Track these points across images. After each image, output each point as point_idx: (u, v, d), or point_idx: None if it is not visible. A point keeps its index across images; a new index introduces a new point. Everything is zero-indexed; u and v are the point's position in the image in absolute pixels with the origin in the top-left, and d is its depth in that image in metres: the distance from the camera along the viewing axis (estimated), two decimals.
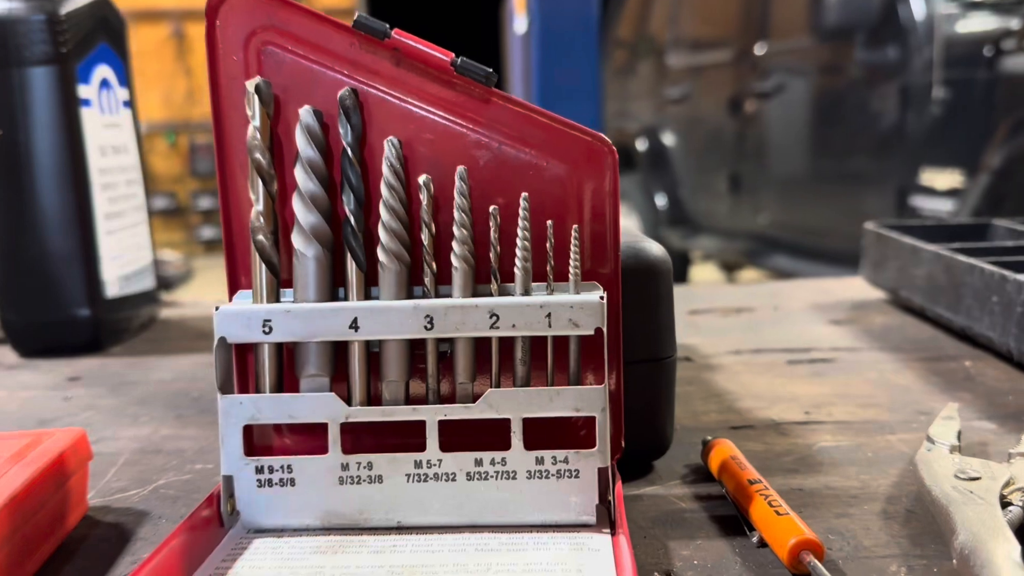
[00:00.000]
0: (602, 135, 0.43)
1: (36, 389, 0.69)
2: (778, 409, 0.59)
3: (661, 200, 4.04)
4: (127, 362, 0.76)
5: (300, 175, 0.40)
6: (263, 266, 0.41)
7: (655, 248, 0.48)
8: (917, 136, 2.53)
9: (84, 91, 0.78)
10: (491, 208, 0.41)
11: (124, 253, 0.82)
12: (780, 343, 0.76)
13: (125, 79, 0.84)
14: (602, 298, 0.41)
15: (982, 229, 0.95)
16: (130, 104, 0.85)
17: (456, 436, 0.42)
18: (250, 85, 0.41)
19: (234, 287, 0.44)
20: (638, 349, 0.48)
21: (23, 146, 0.76)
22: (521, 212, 0.41)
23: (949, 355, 0.71)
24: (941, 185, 2.46)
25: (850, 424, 0.56)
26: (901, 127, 2.60)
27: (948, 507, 0.39)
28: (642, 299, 0.48)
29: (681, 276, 4.14)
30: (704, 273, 4.26)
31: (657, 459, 0.51)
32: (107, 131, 0.81)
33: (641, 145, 4.19)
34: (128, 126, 0.85)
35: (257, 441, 0.45)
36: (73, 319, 0.78)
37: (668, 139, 4.08)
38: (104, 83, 0.81)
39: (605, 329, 0.41)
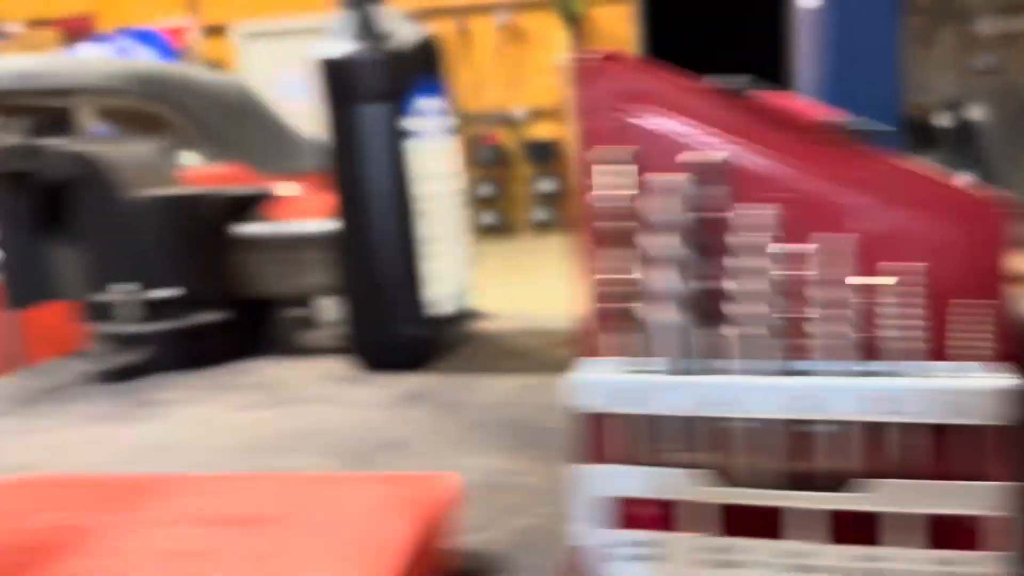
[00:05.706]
0: (991, 194, 0.38)
1: (372, 408, 0.74)
2: None
3: (966, 179, 3.69)
4: (455, 382, 0.79)
5: (661, 240, 0.39)
6: (635, 335, 0.40)
7: None
8: None
9: (409, 123, 0.82)
10: (881, 279, 0.38)
11: (444, 273, 0.86)
12: None
13: (445, 109, 0.88)
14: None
15: None
16: (452, 131, 0.89)
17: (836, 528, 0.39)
18: (617, 153, 0.40)
19: (589, 351, 0.43)
20: None
21: (360, 178, 0.81)
22: (904, 281, 0.37)
23: None
24: None
25: None
26: None
27: None
28: None
29: None
30: None
31: None
32: (429, 160, 0.85)
33: (942, 120, 3.84)
34: (448, 153, 0.88)
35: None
36: (406, 337, 0.84)
37: (975, 113, 3.71)
38: (426, 114, 0.85)
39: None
